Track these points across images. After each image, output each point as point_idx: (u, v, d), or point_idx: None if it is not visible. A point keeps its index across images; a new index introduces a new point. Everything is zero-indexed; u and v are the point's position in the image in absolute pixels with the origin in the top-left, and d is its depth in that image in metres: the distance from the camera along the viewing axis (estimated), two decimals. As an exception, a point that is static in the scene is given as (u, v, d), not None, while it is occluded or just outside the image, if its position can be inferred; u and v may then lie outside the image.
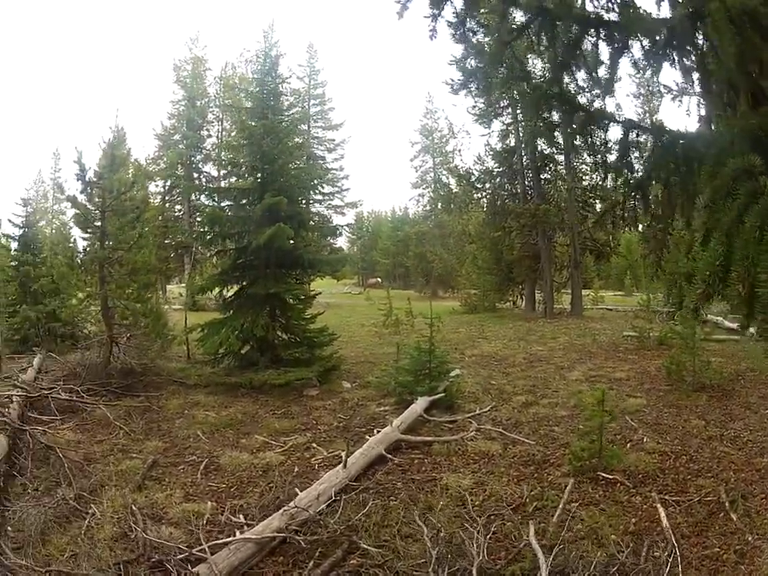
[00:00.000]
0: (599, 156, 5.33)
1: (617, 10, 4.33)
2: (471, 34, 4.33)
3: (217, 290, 10.86)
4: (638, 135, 4.35)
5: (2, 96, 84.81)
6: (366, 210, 63.20)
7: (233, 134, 30.50)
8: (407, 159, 56.15)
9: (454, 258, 35.50)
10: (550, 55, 4.54)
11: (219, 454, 6.17)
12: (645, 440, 6.27)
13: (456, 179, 27.15)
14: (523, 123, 21.85)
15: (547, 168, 23.53)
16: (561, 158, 22.83)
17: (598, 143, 4.73)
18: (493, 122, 23.63)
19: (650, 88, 28.84)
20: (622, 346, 13.03)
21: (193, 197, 31.18)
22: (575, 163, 22.63)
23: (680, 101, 5.18)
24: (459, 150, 40.89)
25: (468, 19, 4.23)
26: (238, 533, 4.11)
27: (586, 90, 4.82)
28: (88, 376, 8.77)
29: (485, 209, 25.46)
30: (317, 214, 33.23)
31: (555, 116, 6.12)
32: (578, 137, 5.01)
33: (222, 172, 29.15)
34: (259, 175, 10.13)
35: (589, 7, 4.39)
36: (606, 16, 4.20)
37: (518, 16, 4.58)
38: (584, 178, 23.27)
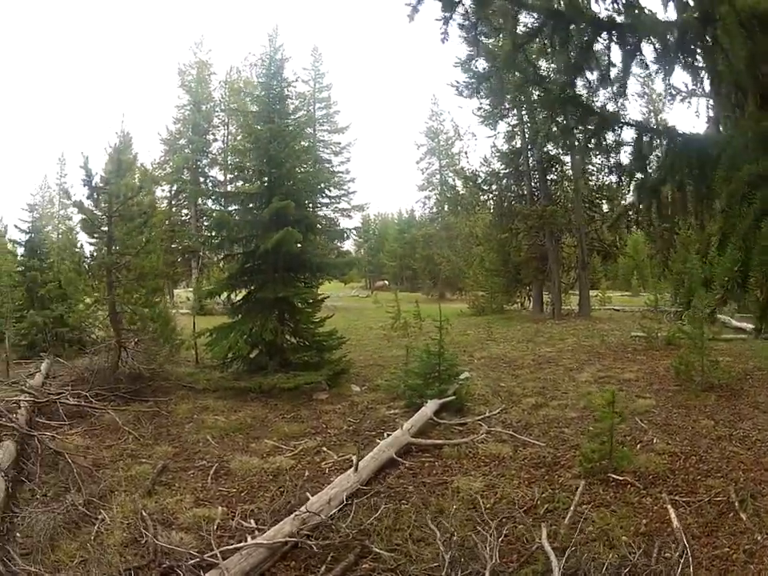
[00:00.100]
0: (612, 158, 5.30)
1: (622, 11, 4.32)
2: (483, 37, 4.32)
3: (225, 294, 10.83)
4: (651, 138, 4.33)
5: (8, 101, 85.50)
6: (373, 212, 63.76)
7: (238, 137, 30.61)
8: (413, 161, 56.29)
9: (461, 260, 35.52)
10: (562, 58, 4.52)
11: (229, 459, 6.15)
12: (654, 441, 6.22)
13: (462, 181, 27.23)
14: (529, 124, 21.84)
15: (553, 169, 23.47)
16: (567, 158, 22.77)
17: (611, 146, 4.70)
18: (498, 123, 23.69)
19: (654, 88, 28.69)
20: (630, 347, 12.98)
21: (199, 201, 31.24)
22: (584, 165, 22.56)
23: (689, 102, 5.16)
24: (465, 152, 40.78)
25: (479, 22, 4.22)
26: (249, 538, 4.08)
27: (597, 91, 4.79)
28: (96, 381, 8.76)
29: (492, 210, 25.49)
30: (324, 218, 33.37)
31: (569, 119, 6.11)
32: (591, 140, 4.97)
33: (229, 176, 29.41)
34: (266, 179, 10.11)
35: (595, 9, 4.38)
36: (617, 18, 4.18)
37: (525, 19, 4.56)
38: (590, 178, 23.20)
